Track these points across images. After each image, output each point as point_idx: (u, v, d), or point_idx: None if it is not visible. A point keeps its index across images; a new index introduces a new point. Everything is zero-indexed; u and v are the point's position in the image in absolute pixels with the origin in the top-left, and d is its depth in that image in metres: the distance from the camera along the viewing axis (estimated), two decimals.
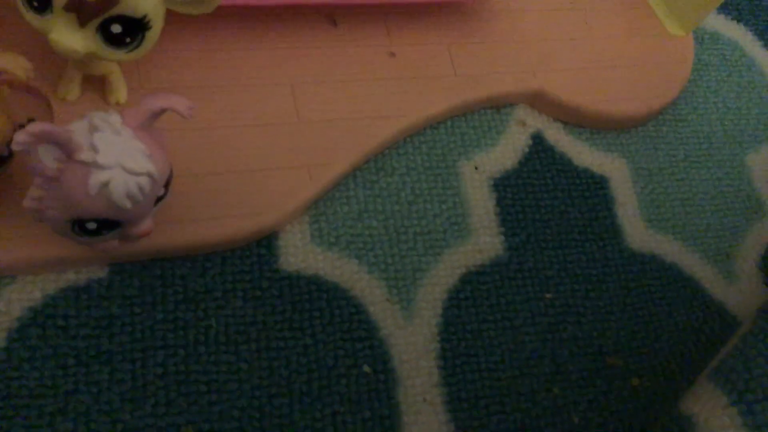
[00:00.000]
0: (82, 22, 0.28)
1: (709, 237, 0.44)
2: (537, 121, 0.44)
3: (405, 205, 0.39)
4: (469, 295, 0.37)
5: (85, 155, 0.25)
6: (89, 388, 0.30)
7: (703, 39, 0.52)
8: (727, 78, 0.51)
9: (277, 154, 0.36)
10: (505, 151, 0.42)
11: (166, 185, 0.29)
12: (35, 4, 0.28)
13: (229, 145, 0.36)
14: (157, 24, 0.29)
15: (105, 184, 0.25)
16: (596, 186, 0.43)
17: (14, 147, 0.23)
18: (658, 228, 0.43)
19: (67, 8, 0.27)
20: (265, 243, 0.35)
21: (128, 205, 0.26)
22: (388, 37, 0.42)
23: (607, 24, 0.47)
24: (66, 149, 0.24)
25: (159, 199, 0.28)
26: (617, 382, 0.37)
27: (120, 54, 0.29)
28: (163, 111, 0.27)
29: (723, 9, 0.53)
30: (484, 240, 0.39)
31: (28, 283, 0.31)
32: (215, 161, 0.35)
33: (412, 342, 0.35)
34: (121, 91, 0.34)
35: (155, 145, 0.27)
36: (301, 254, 0.36)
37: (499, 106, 0.44)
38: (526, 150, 0.43)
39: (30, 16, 0.28)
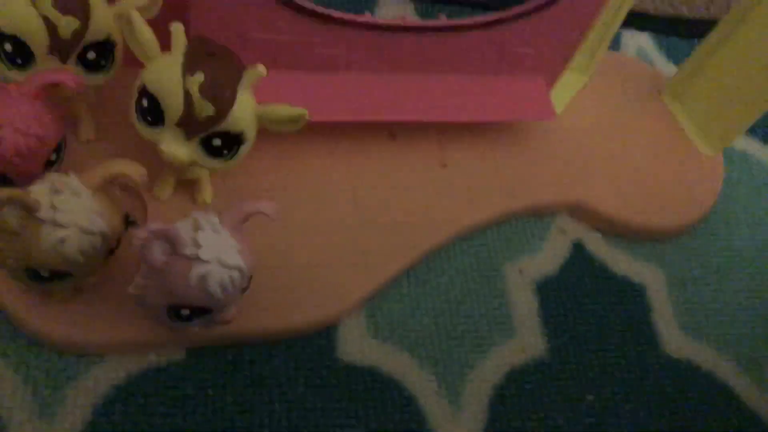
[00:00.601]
0: (189, 136, 0.32)
1: (742, 346, 0.45)
2: (576, 230, 0.47)
3: (454, 304, 0.41)
4: (514, 392, 0.39)
5: (189, 250, 0.28)
6: None
7: (732, 158, 0.55)
8: (757, 195, 0.54)
9: (339, 252, 0.40)
10: (548, 257, 0.45)
11: (249, 278, 0.32)
12: (149, 118, 0.32)
13: (296, 243, 0.39)
14: (250, 139, 0.34)
15: (203, 276, 0.29)
16: (634, 293, 0.45)
17: (135, 243, 0.27)
18: (693, 335, 0.45)
19: (178, 124, 0.32)
20: (325, 334, 0.38)
21: (220, 295, 0.29)
22: (441, 150, 0.46)
23: (643, 143, 0.51)
24: (173, 244, 0.28)
25: (243, 290, 0.32)
26: None
27: (216, 163, 0.34)
28: (254, 214, 0.31)
29: (751, 132, 0.57)
30: (527, 340, 0.41)
31: (115, 363, 0.34)
32: (284, 257, 0.39)
33: None
34: (207, 192, 0.38)
35: (244, 243, 0.31)
36: (357, 346, 0.38)
37: (541, 215, 0.47)
38: (567, 256, 0.46)
39: (143, 129, 0.33)
